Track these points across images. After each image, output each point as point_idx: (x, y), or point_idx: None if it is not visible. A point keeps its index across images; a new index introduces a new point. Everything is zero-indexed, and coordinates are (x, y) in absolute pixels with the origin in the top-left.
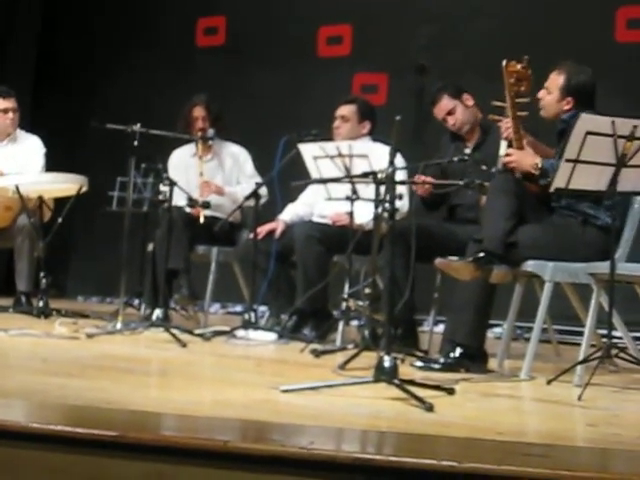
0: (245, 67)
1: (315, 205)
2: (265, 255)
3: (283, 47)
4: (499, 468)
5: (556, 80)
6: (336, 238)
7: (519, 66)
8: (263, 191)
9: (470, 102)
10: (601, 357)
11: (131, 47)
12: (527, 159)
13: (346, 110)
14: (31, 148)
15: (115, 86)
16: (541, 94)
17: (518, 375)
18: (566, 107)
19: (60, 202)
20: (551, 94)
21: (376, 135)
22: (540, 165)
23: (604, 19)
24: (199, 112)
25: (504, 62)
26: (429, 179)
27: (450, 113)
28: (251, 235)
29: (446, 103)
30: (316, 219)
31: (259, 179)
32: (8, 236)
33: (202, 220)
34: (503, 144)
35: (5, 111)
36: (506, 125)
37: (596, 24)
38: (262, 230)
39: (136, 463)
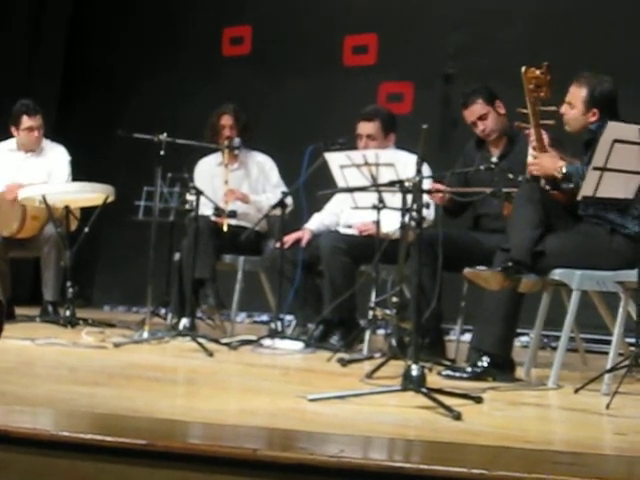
0: (271, 77)
1: (341, 214)
2: (291, 264)
3: (309, 56)
4: (529, 476)
5: (578, 93)
6: (362, 248)
7: (538, 72)
8: (288, 200)
9: (502, 110)
10: (629, 365)
11: (157, 57)
12: (550, 162)
13: (371, 129)
14: (57, 158)
15: (142, 96)
16: (564, 109)
17: (545, 384)
18: (592, 119)
19: (87, 211)
20: (575, 108)
21: (400, 144)
22: (564, 170)
23: (629, 26)
24: (227, 120)
25: (523, 68)
26: (444, 187)
27: (481, 118)
28: (277, 244)
29: (479, 108)
30: (342, 229)
31: (284, 188)
32: (35, 246)
33: (225, 228)
34: (530, 153)
35: (30, 129)
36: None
37: (621, 31)
38: (288, 239)
39: (165, 471)
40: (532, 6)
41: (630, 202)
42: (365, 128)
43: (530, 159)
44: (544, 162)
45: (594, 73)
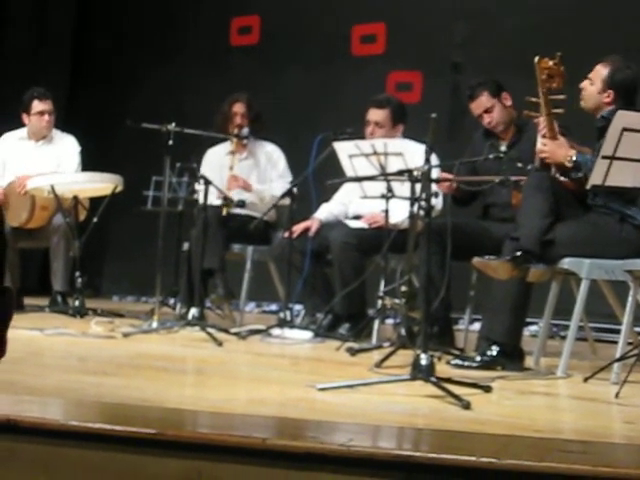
0: (279, 66)
1: (350, 204)
2: (300, 254)
3: (317, 46)
4: (539, 465)
5: (600, 72)
6: (372, 240)
7: (551, 62)
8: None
9: (508, 102)
10: (638, 354)
11: (166, 47)
12: (561, 150)
13: (380, 116)
14: (67, 148)
15: (150, 85)
16: (584, 84)
17: (555, 373)
18: (606, 100)
19: (95, 202)
20: (593, 85)
21: (409, 133)
22: (574, 158)
23: (636, 15)
24: (239, 108)
25: (536, 58)
26: (450, 176)
27: (487, 111)
28: (286, 234)
29: (485, 101)
30: (351, 220)
31: (290, 178)
32: (44, 236)
33: (224, 213)
34: (540, 140)
35: (42, 113)
36: (541, 122)
37: (629, 20)
38: (297, 228)
39: (175, 460)
40: None
41: (638, 191)
42: (374, 115)
43: (539, 147)
44: (555, 149)
45: (622, 58)
